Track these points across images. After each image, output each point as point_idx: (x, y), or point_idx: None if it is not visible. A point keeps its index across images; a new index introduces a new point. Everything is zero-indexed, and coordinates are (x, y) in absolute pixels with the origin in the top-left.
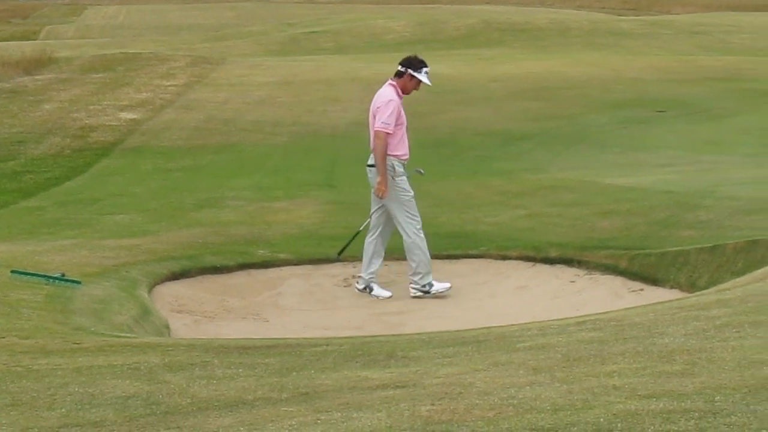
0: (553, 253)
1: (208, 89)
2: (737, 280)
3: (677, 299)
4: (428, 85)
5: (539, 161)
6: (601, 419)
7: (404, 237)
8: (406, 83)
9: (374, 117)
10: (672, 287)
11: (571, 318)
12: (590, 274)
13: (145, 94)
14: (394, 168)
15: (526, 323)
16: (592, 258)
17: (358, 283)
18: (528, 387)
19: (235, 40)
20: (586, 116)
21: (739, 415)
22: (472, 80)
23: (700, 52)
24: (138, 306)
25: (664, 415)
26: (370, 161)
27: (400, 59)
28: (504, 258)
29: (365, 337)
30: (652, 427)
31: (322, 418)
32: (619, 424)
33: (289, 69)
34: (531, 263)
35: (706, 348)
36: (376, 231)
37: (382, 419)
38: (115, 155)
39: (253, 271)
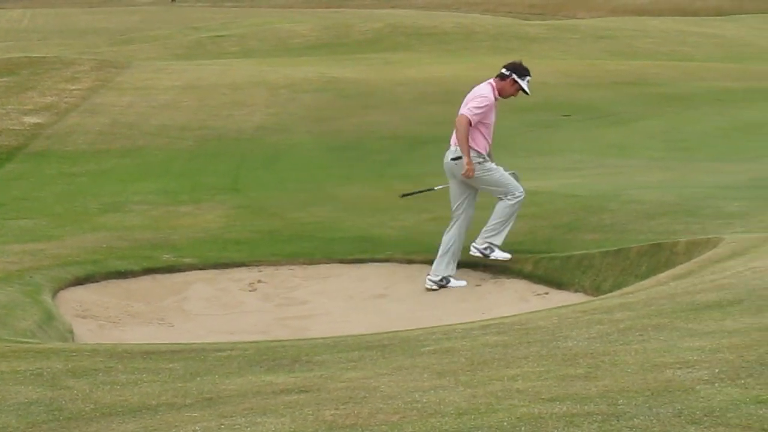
0: (459, 257)
1: (113, 93)
2: (641, 283)
3: (581, 303)
4: (527, 95)
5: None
6: (505, 423)
7: (506, 200)
8: (506, 87)
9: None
10: (577, 291)
11: (476, 322)
12: (496, 278)
13: (49, 98)
14: (481, 156)
15: (430, 327)
16: (497, 262)
17: (429, 278)
18: (432, 391)
19: (140, 44)
20: None
21: (641, 417)
22: (378, 84)
23: (606, 57)
24: (42, 311)
25: (568, 419)
26: (455, 154)
27: (504, 63)
28: (410, 262)
29: (270, 341)
30: (556, 431)
31: (226, 423)
32: (522, 428)
33: (195, 73)
34: None
35: (609, 351)
36: (454, 224)
37: (286, 424)
38: (19, 160)
39: (158, 276)
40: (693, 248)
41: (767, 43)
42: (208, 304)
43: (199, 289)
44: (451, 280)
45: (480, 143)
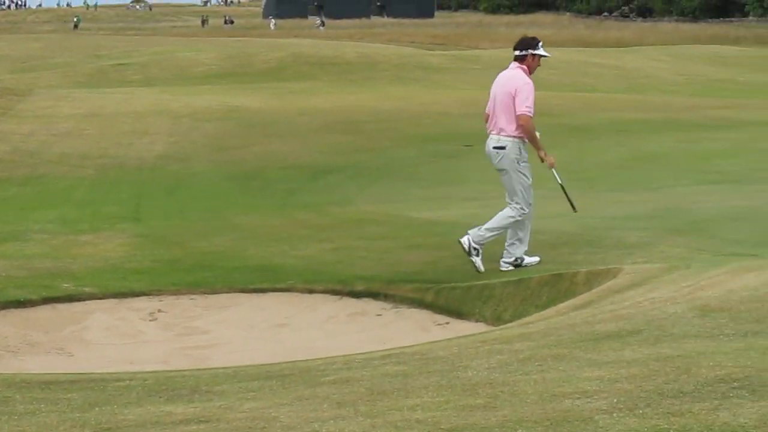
0: (360, 287)
1: (13, 121)
2: (541, 313)
3: (481, 333)
4: (547, 57)
5: (347, 194)
6: None
7: (510, 211)
8: (531, 63)
9: (507, 99)
10: (477, 320)
11: (377, 351)
12: (397, 308)
13: None
14: (520, 150)
15: (331, 357)
16: (398, 291)
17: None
18: (331, 421)
19: (41, 72)
20: (395, 150)
21: None
22: (280, 113)
23: None
24: None
25: None
26: (498, 144)
27: (515, 43)
28: (311, 292)
29: (170, 371)
30: None
31: None
32: None
33: (97, 101)
34: (338, 297)
35: (508, 381)
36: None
37: None
38: None
39: (58, 305)
40: (593, 278)
41: (667, 74)
42: (108, 333)
43: (99, 319)
44: (525, 257)
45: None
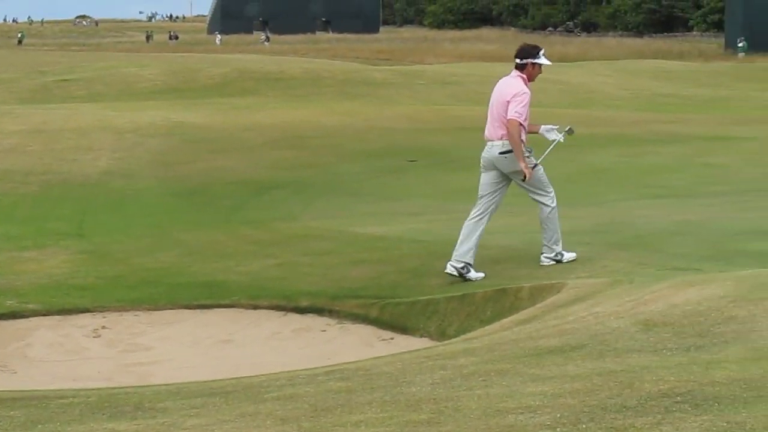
0: (305, 303)
1: None
2: (485, 328)
3: (425, 348)
4: (548, 65)
5: (292, 210)
6: None
7: (543, 208)
8: (531, 72)
9: (503, 106)
10: (422, 336)
11: (321, 367)
12: (341, 323)
13: None
14: (528, 149)
15: (275, 373)
16: (343, 307)
17: (450, 265)
18: None
19: None
20: (340, 165)
21: None
22: (225, 129)
23: (452, 102)
24: None
25: None
26: (503, 148)
27: (516, 50)
28: (255, 307)
29: (113, 388)
30: None
31: None
32: None
33: (41, 117)
34: (282, 312)
35: (452, 397)
36: (478, 216)
37: None
38: None
39: (1, 322)
40: (537, 293)
41: (612, 89)
42: (52, 350)
43: (43, 336)
44: (471, 270)
45: (523, 137)
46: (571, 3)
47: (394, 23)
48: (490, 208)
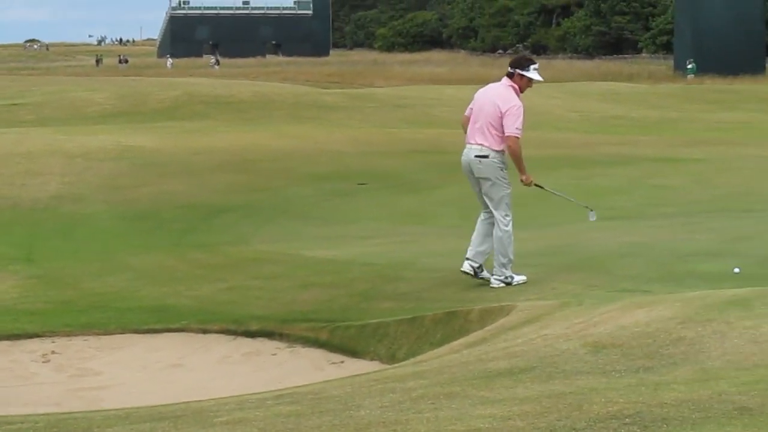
0: (255, 326)
1: None
2: (435, 351)
3: (375, 371)
4: (539, 81)
5: (242, 234)
6: None
7: (497, 230)
8: (519, 83)
9: (496, 116)
10: (372, 359)
11: (270, 392)
12: (291, 347)
13: None
14: (502, 161)
15: (224, 397)
16: (293, 330)
17: (467, 264)
18: None
19: None
20: (290, 189)
21: None
22: (174, 153)
23: (402, 125)
24: None
25: None
26: (480, 152)
27: (510, 62)
28: (205, 332)
29: (62, 413)
30: None
31: None
32: None
33: None
34: (232, 336)
35: (401, 420)
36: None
37: None
38: None
39: None
40: (486, 316)
41: (561, 111)
42: (1, 376)
43: None
44: (485, 270)
45: (503, 147)
46: (521, 26)
47: (344, 46)
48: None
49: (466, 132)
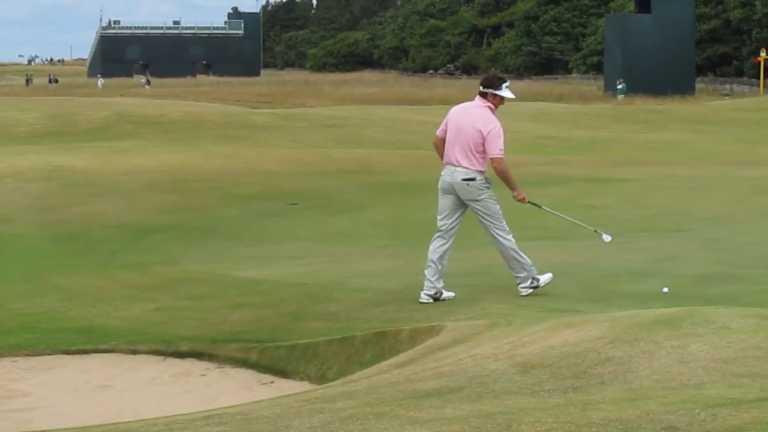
0: (184, 347)
1: None
2: (365, 371)
3: (305, 392)
4: (512, 99)
5: (172, 254)
6: None
7: (499, 245)
8: (492, 101)
9: (475, 138)
10: (302, 379)
11: (199, 412)
12: (221, 367)
13: None
14: (486, 179)
15: (152, 418)
16: (222, 351)
17: (423, 294)
18: None
19: None
20: (220, 209)
21: None
22: (104, 173)
23: (333, 145)
24: None
25: None
26: (466, 176)
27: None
28: (134, 352)
29: None
30: None
31: None
32: None
33: None
34: (162, 357)
35: None
36: (445, 240)
37: None
38: None
39: None
40: (416, 336)
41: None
42: None
43: None
44: (444, 292)
45: (486, 166)
46: (452, 46)
47: (275, 66)
48: (451, 231)
49: (439, 151)
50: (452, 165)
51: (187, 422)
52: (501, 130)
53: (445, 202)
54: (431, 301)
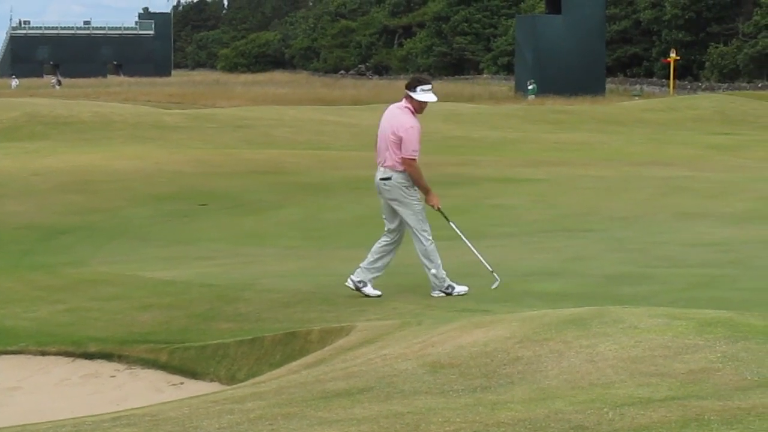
0: (93, 348)
1: None
2: (274, 372)
3: (214, 392)
4: (431, 101)
5: (81, 255)
6: None
7: (419, 245)
8: (413, 104)
9: (393, 138)
10: (212, 380)
11: (108, 414)
12: (131, 369)
13: None
14: (406, 179)
15: (60, 420)
16: (132, 352)
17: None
18: None
19: None
20: (129, 209)
21: None
22: (13, 174)
23: (243, 146)
24: None
25: None
26: (384, 175)
27: None
28: (43, 354)
29: None
30: None
31: None
32: None
33: None
34: (71, 358)
35: None
36: (391, 241)
37: None
38: None
39: None
40: (327, 336)
41: None
42: None
43: None
44: (368, 285)
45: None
46: (363, 46)
47: (186, 66)
48: (396, 233)
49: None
50: (378, 165)
51: (96, 423)
52: (416, 131)
53: (382, 202)
54: (352, 287)
